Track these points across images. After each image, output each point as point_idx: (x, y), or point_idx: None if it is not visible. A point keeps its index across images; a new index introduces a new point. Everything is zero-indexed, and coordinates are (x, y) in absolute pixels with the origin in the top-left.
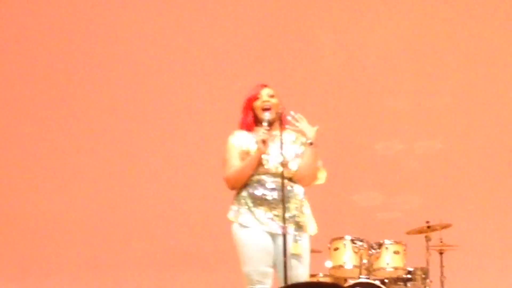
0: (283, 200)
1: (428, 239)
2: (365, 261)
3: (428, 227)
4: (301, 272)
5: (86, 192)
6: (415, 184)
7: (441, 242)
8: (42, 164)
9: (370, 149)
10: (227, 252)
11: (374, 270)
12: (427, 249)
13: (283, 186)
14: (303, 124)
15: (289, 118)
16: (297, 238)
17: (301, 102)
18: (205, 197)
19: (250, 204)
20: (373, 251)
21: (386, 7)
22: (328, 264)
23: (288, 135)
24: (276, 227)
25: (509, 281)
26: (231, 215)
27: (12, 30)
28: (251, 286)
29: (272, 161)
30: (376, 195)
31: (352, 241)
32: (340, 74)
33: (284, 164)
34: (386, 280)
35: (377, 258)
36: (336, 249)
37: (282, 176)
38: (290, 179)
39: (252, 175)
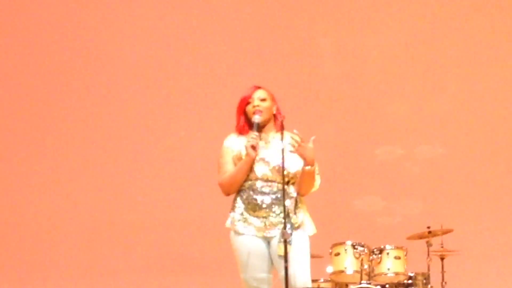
0: (284, 204)
1: (429, 244)
2: (366, 266)
3: (429, 232)
4: (298, 274)
5: (86, 197)
6: (416, 189)
7: (442, 247)
8: (41, 167)
9: (370, 154)
10: (227, 258)
11: (375, 275)
12: (428, 255)
13: (283, 190)
14: (302, 148)
15: (289, 143)
16: (280, 240)
17: (301, 108)
18: (205, 202)
19: (244, 210)
20: (374, 256)
21: (387, 13)
22: (329, 269)
23: (285, 136)
24: (270, 231)
25: (510, 287)
26: (228, 223)
27: (12, 30)
28: None
29: (262, 166)
30: (377, 200)
31: (353, 246)
32: (340, 80)
33: (275, 168)
34: (387, 286)
35: (378, 263)
36: (337, 254)
37: (283, 179)
38: (285, 183)
39: (245, 181)
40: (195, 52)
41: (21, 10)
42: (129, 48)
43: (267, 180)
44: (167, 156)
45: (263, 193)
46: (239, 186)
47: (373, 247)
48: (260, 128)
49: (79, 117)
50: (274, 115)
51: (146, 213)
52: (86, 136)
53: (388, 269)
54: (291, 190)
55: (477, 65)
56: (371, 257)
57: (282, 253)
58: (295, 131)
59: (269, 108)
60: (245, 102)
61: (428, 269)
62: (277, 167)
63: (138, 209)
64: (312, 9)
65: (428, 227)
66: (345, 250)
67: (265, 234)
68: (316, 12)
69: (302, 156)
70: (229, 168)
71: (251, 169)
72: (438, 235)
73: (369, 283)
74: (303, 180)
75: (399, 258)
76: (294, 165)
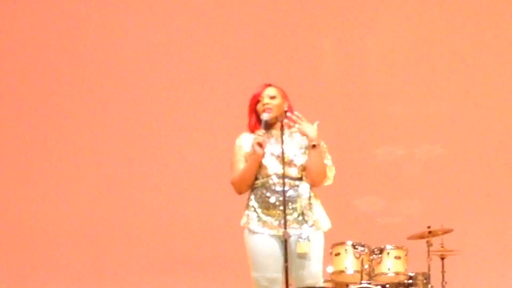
0: (284, 203)
1: (429, 244)
2: (366, 266)
3: (430, 232)
4: (312, 271)
5: (87, 197)
6: (416, 189)
7: (442, 247)
8: (43, 168)
9: (371, 154)
10: (229, 257)
11: (376, 275)
12: (429, 254)
13: (283, 186)
14: (304, 125)
15: (286, 121)
16: (303, 239)
17: (301, 108)
18: (207, 202)
19: (258, 209)
20: (374, 256)
21: (387, 13)
22: (329, 269)
23: (296, 134)
24: (281, 230)
25: (510, 287)
26: (242, 221)
27: (12, 30)
28: None
29: (275, 163)
30: (377, 200)
31: (353, 246)
32: (340, 80)
33: (287, 163)
34: (387, 285)
35: (378, 263)
36: (337, 254)
37: (283, 176)
38: (297, 179)
39: (257, 179)
40: (197, 52)
41: (21, 10)
42: (132, 46)
43: (280, 177)
44: (170, 156)
45: (276, 191)
46: (251, 184)
47: (374, 247)
48: (270, 125)
49: (81, 117)
50: (286, 112)
51: (149, 212)
52: (89, 136)
53: (389, 269)
54: (304, 189)
55: (478, 65)
56: (371, 257)
57: (302, 251)
58: (296, 112)
59: (279, 105)
60: (255, 100)
61: (429, 269)
62: (291, 163)
63: (140, 208)
64: (313, 10)
65: (429, 227)
66: (346, 250)
67: (279, 233)
68: (317, 13)
69: (303, 133)
70: (241, 166)
71: (262, 166)
72: (438, 235)
73: (370, 283)
74: (311, 163)
75: (400, 258)
76: (302, 158)
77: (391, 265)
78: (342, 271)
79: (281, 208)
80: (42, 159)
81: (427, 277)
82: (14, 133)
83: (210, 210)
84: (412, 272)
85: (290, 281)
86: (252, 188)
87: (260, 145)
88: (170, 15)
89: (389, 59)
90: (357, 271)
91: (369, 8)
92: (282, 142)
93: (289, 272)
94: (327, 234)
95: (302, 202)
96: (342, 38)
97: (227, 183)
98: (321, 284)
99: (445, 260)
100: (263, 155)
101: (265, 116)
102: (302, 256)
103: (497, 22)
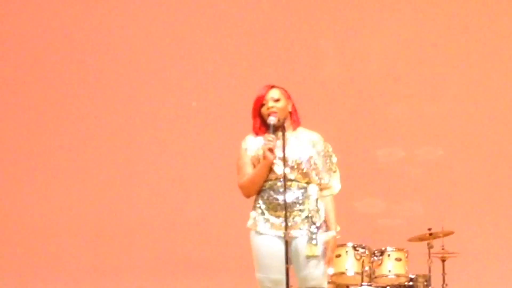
0: (285, 205)
1: (430, 246)
2: (367, 268)
3: (430, 234)
4: (317, 273)
5: (89, 197)
6: (417, 191)
7: (443, 249)
8: (43, 167)
9: (371, 156)
10: (231, 258)
11: (376, 277)
12: (429, 256)
13: (285, 188)
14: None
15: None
16: (313, 241)
17: (302, 110)
18: (208, 203)
19: (265, 211)
20: (375, 258)
21: (388, 14)
22: (330, 271)
23: (303, 135)
24: (291, 231)
25: None
26: (249, 223)
27: (11, 30)
28: None
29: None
30: (378, 202)
31: (354, 248)
32: (341, 81)
33: (295, 167)
34: (388, 287)
35: (379, 265)
36: (338, 256)
37: (284, 177)
38: (306, 182)
39: (265, 181)
40: (198, 54)
41: (21, 10)
42: (133, 45)
43: (287, 180)
44: (172, 157)
45: (283, 193)
46: (259, 188)
47: (374, 249)
48: (276, 128)
49: (83, 118)
50: (290, 113)
51: (150, 214)
52: (90, 136)
53: (389, 271)
54: (312, 191)
55: (478, 67)
56: (372, 259)
57: (311, 253)
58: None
59: (284, 107)
60: (259, 103)
61: (429, 271)
62: (297, 166)
63: (142, 210)
64: (314, 11)
65: (429, 229)
66: (346, 251)
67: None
68: (318, 14)
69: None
70: (248, 170)
71: (270, 169)
72: (439, 237)
73: (370, 285)
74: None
75: (400, 260)
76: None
77: (391, 267)
78: (342, 273)
79: (289, 209)
80: (43, 159)
81: (427, 279)
82: (14, 133)
83: (212, 211)
84: (413, 274)
85: (292, 283)
86: (260, 190)
87: (271, 150)
88: (173, 18)
89: (390, 61)
90: (357, 273)
91: (370, 10)
92: (284, 144)
93: (295, 273)
94: None
95: (311, 204)
96: (344, 40)
97: (229, 185)
98: (325, 286)
99: (445, 262)
100: (273, 160)
101: (272, 120)
102: (310, 258)
103: (498, 23)
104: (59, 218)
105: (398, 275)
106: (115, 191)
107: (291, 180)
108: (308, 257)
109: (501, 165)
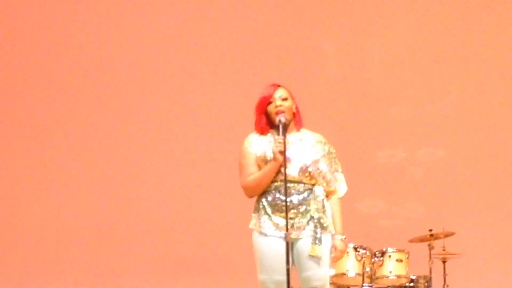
0: (285, 206)
1: (431, 247)
2: (367, 269)
3: (431, 235)
4: (320, 273)
5: (87, 197)
6: (418, 192)
7: (444, 250)
8: (43, 168)
9: (372, 157)
10: (232, 259)
11: (377, 278)
12: (430, 257)
13: (285, 188)
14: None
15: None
16: (317, 241)
17: (303, 110)
18: (208, 204)
19: (270, 212)
20: (376, 259)
21: (389, 15)
22: (331, 271)
23: (307, 136)
24: (296, 232)
25: None
26: (251, 224)
27: (11, 30)
28: None
29: (291, 167)
30: (379, 203)
31: (355, 249)
32: (343, 82)
33: (301, 169)
34: None
35: (380, 266)
36: None
37: (285, 177)
38: (312, 183)
39: (271, 182)
40: (200, 54)
41: (21, 10)
42: (134, 44)
43: (293, 181)
44: (171, 157)
45: (290, 194)
46: (264, 190)
47: (375, 250)
48: (285, 128)
49: (83, 118)
50: (294, 114)
51: (150, 214)
52: (91, 136)
53: (390, 272)
54: (318, 192)
55: (479, 68)
56: (373, 260)
57: (315, 254)
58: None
59: (290, 107)
60: (266, 101)
61: (430, 272)
62: (303, 167)
63: (140, 210)
64: (316, 12)
65: (430, 230)
66: (347, 252)
67: (291, 236)
68: (319, 15)
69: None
70: (252, 170)
71: (278, 171)
72: (440, 238)
73: (371, 286)
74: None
75: (401, 261)
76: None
77: (392, 268)
78: (343, 274)
79: (294, 211)
80: (43, 160)
81: (428, 280)
82: (15, 133)
83: (212, 211)
84: (414, 275)
85: (293, 284)
86: (263, 191)
87: (281, 153)
88: (175, 18)
89: (392, 61)
90: (358, 274)
91: (371, 11)
92: (285, 143)
93: (298, 273)
94: None
95: (317, 204)
96: (345, 41)
97: (230, 185)
98: (328, 287)
99: (446, 263)
100: (282, 164)
101: (283, 119)
102: (313, 259)
103: (499, 24)
104: (59, 218)
105: (399, 276)
106: (115, 191)
107: (298, 182)
108: (312, 257)
109: (502, 166)
